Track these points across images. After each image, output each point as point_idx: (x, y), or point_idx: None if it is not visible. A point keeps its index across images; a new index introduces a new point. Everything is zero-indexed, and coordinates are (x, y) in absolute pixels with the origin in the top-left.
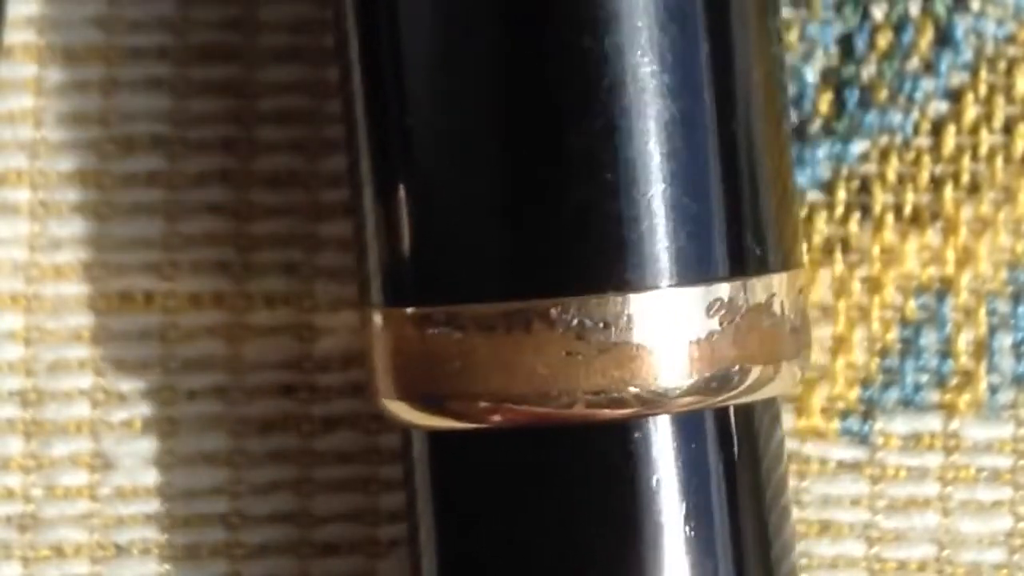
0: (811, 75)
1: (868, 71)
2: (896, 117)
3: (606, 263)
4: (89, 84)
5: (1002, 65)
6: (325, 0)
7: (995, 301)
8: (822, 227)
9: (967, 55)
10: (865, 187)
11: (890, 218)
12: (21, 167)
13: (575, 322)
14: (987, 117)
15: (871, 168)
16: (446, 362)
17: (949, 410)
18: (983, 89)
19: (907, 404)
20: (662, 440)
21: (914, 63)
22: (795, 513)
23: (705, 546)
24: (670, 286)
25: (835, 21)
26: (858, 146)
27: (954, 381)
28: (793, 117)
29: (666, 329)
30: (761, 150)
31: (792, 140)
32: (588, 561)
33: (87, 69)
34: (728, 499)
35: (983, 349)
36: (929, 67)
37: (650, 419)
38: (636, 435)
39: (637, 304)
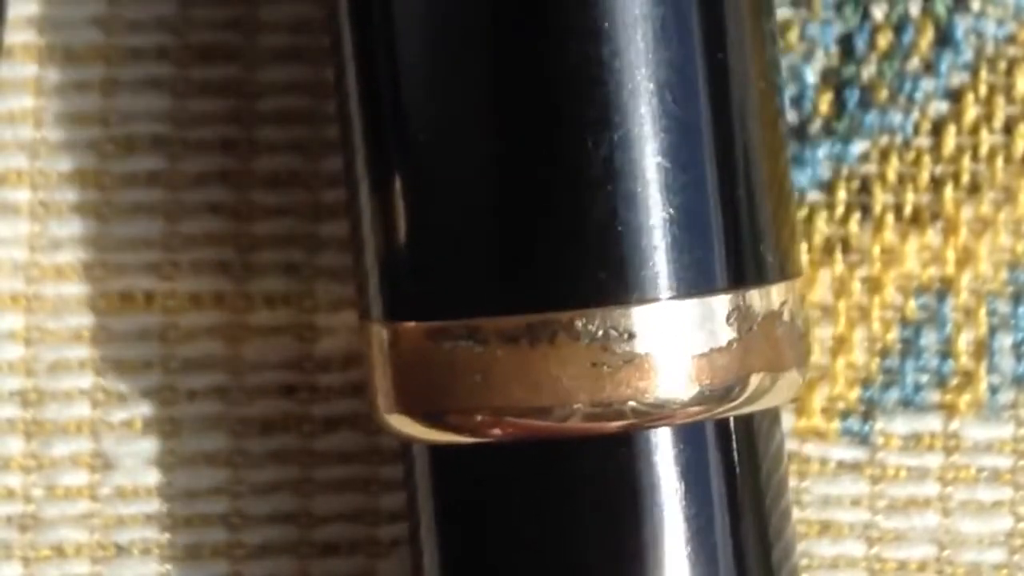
0: (811, 75)
1: (868, 71)
2: (896, 117)
3: (608, 276)
4: (89, 84)
5: (1002, 65)
6: (325, 0)
7: (995, 301)
8: (822, 227)
9: (967, 55)
10: (865, 187)
11: (890, 218)
12: (21, 167)
13: (575, 336)
14: (987, 117)
15: (871, 168)
16: (446, 376)
17: (949, 410)
18: (983, 89)
19: (907, 404)
20: (663, 451)
21: (914, 63)
22: (795, 513)
23: (707, 554)
24: (668, 298)
25: (835, 21)
26: (858, 146)
27: (954, 381)
28: (793, 117)
29: (664, 341)
30: (761, 158)
31: (790, 142)
32: (590, 572)
33: (87, 69)
34: (729, 505)
35: (983, 349)
36: (929, 67)
37: (651, 430)
38: (637, 446)
39: (635, 317)
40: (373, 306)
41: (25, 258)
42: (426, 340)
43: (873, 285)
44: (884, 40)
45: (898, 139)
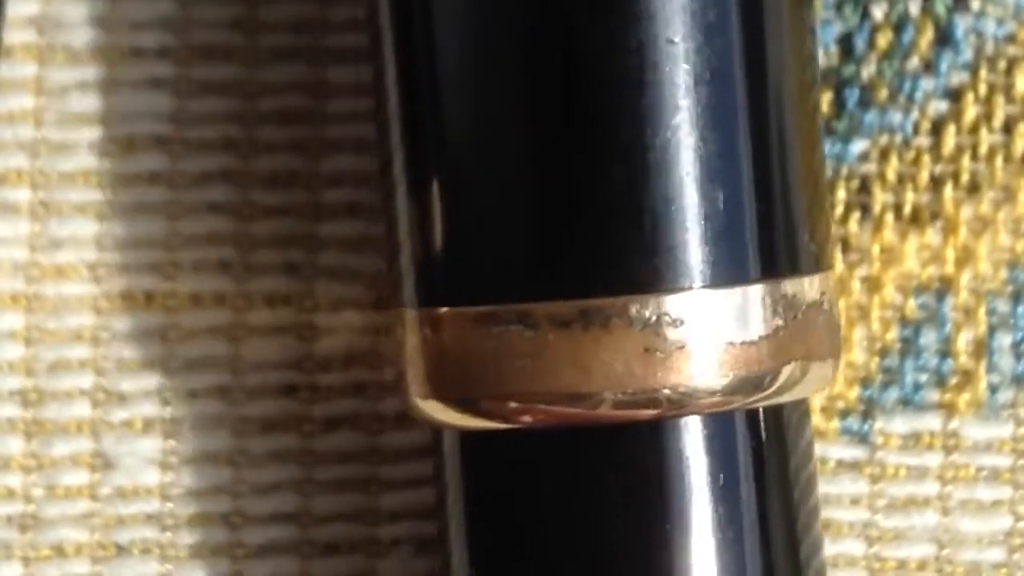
0: None
1: (868, 71)
2: (896, 117)
3: (639, 264)
4: (89, 84)
5: (1002, 65)
6: (325, 0)
7: (995, 300)
8: None
9: (967, 55)
10: (865, 187)
11: (890, 218)
12: (21, 167)
13: (607, 323)
14: (987, 117)
15: (871, 168)
16: (479, 363)
17: (949, 409)
18: (983, 89)
19: (907, 403)
20: (692, 440)
21: (914, 63)
22: None
23: (734, 545)
24: (701, 287)
25: (835, 21)
26: (858, 146)
27: (954, 380)
28: None
29: (696, 331)
30: (798, 150)
31: (823, 138)
32: (618, 560)
33: (87, 69)
34: (757, 497)
35: (983, 348)
36: (929, 67)
37: (681, 419)
38: (667, 435)
39: (667, 305)
40: (407, 292)
41: (25, 258)
42: (460, 327)
43: (873, 284)
44: (884, 40)
45: (898, 138)
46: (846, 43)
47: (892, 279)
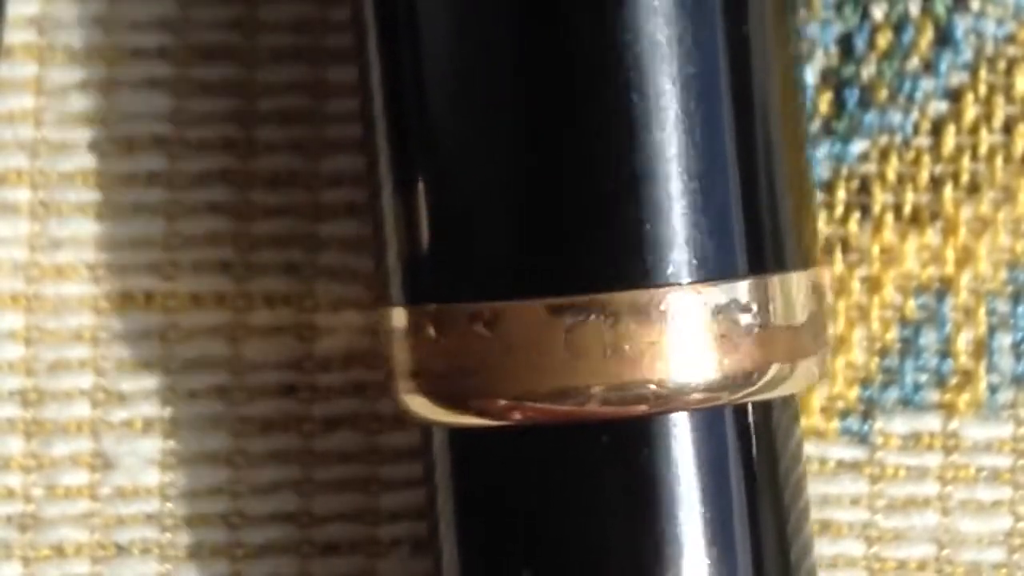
0: (811, 75)
1: (868, 71)
2: (896, 117)
3: (629, 259)
4: (89, 84)
5: (1002, 65)
6: (325, 0)
7: (995, 301)
8: (822, 227)
9: (967, 55)
10: (865, 187)
11: (890, 218)
12: (21, 167)
13: (594, 319)
14: (987, 117)
15: (871, 168)
16: (468, 359)
17: (948, 410)
18: (983, 89)
19: (907, 404)
20: (681, 436)
21: (914, 63)
22: None
23: (725, 544)
24: (689, 283)
25: (835, 21)
26: (858, 146)
27: (954, 381)
28: None
29: (684, 326)
30: (784, 149)
31: (808, 136)
32: (608, 557)
33: (87, 69)
34: (747, 495)
35: (983, 349)
36: (929, 67)
37: (669, 415)
38: (656, 431)
39: (656, 301)
40: (394, 290)
41: (25, 258)
42: (447, 323)
43: (872, 285)
44: (884, 40)
45: (898, 139)
46: (846, 43)
47: (892, 279)
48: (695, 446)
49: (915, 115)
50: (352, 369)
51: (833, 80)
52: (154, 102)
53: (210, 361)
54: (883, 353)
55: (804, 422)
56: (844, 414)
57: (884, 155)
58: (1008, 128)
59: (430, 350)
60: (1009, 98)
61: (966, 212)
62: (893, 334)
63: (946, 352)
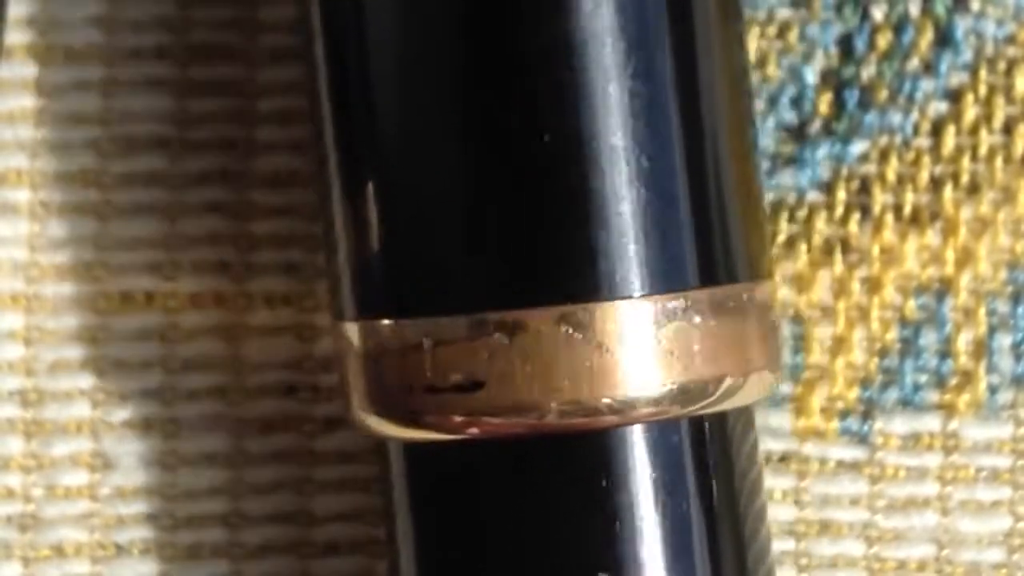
0: (811, 75)
1: (868, 71)
2: (896, 117)
3: (579, 272)
4: (89, 84)
5: (1002, 65)
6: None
7: (995, 301)
8: (822, 227)
9: (967, 55)
10: (865, 187)
11: (890, 218)
12: (21, 167)
13: (546, 333)
14: (987, 117)
15: (871, 168)
16: (421, 375)
17: (948, 410)
18: (983, 89)
19: (906, 404)
20: (638, 448)
21: (914, 63)
22: (794, 513)
23: (683, 551)
24: (641, 296)
25: (835, 21)
26: (858, 146)
27: (953, 381)
28: (793, 117)
29: (637, 339)
30: (730, 159)
31: (756, 147)
32: (566, 570)
33: (87, 69)
34: (703, 504)
35: (982, 349)
36: (929, 67)
37: (624, 428)
38: (612, 444)
39: (607, 314)
40: (346, 306)
41: (25, 258)
42: (398, 338)
43: (872, 285)
44: (884, 40)
45: (898, 139)
46: (846, 44)
47: (892, 280)
48: (651, 458)
49: (915, 116)
50: None
51: (833, 81)
52: (154, 102)
53: (210, 361)
54: (883, 353)
55: (804, 423)
56: (844, 414)
57: (884, 156)
58: (1008, 129)
59: (382, 365)
60: (1009, 99)
61: (966, 212)
62: (893, 334)
63: (946, 352)
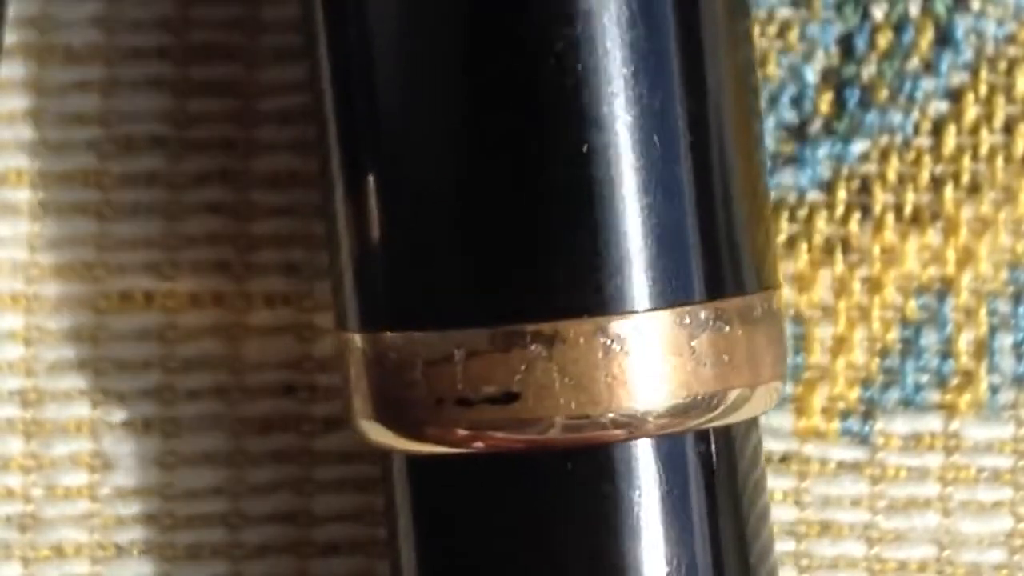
0: (811, 75)
1: (868, 71)
2: (896, 117)
3: (584, 287)
4: (89, 84)
5: (1002, 65)
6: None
7: (996, 301)
8: (822, 227)
9: (967, 55)
10: (865, 187)
11: (890, 218)
12: (21, 167)
13: (551, 347)
14: (987, 117)
15: (871, 168)
16: (425, 387)
17: (950, 410)
18: (983, 89)
19: (908, 404)
20: (643, 461)
21: (914, 63)
22: (795, 513)
23: (686, 562)
24: (647, 310)
25: (835, 21)
26: (858, 146)
27: (955, 381)
28: (793, 117)
29: (644, 353)
30: (737, 167)
31: (764, 150)
32: None
33: (87, 69)
34: (708, 512)
35: (984, 349)
36: (929, 67)
37: (630, 442)
38: (616, 457)
39: (615, 328)
40: (350, 316)
41: (25, 258)
42: (403, 350)
43: (873, 285)
44: (884, 40)
45: (898, 139)
46: (846, 43)
47: (893, 280)
48: (657, 471)
49: (916, 115)
50: None
51: (833, 80)
52: (154, 102)
53: (209, 361)
54: (884, 354)
55: (805, 423)
56: (845, 415)
57: (885, 155)
58: (1009, 128)
59: (386, 378)
60: (1010, 98)
61: (967, 212)
62: (894, 334)
63: (947, 353)
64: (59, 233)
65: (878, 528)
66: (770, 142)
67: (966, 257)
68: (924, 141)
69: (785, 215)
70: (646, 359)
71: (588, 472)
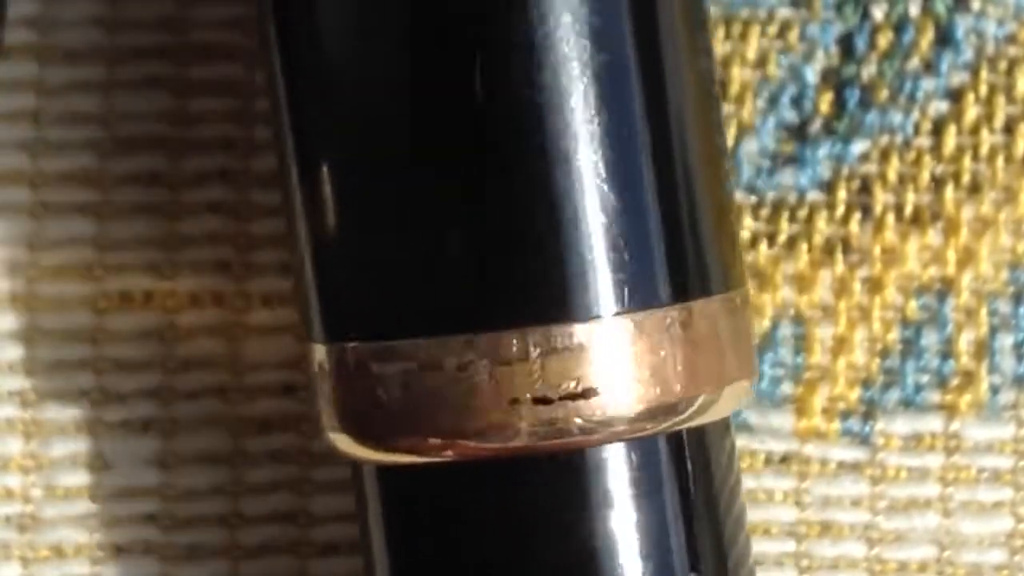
0: (811, 75)
1: (868, 71)
2: (897, 117)
3: (548, 294)
4: (89, 84)
5: (1003, 65)
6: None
7: (996, 301)
8: (822, 227)
9: (968, 55)
10: (866, 187)
11: (891, 218)
12: (21, 167)
13: (519, 354)
14: (988, 117)
15: (872, 168)
16: (393, 397)
17: (950, 411)
18: (984, 89)
19: (908, 405)
20: (615, 465)
21: (914, 63)
22: (795, 514)
23: (663, 566)
24: (613, 315)
25: (835, 21)
26: (859, 146)
27: (955, 382)
28: (793, 117)
29: (611, 358)
30: (700, 171)
31: (726, 154)
32: None
33: (87, 69)
34: (684, 516)
35: (984, 349)
36: (929, 67)
37: (601, 447)
38: (588, 462)
39: (580, 334)
40: (316, 327)
41: (25, 258)
42: (369, 361)
43: (874, 285)
44: (884, 40)
45: (898, 139)
46: (846, 43)
47: (893, 280)
48: (628, 474)
49: (916, 115)
50: None
51: (834, 80)
52: (154, 102)
53: (209, 360)
54: (884, 354)
55: (805, 423)
56: (845, 415)
57: (885, 155)
58: (1009, 128)
59: (354, 388)
60: (1010, 98)
61: (967, 212)
62: (894, 335)
63: (947, 353)
64: (59, 233)
65: (878, 528)
66: (770, 142)
67: (967, 257)
68: (924, 141)
69: (785, 215)
70: (613, 364)
71: (559, 478)
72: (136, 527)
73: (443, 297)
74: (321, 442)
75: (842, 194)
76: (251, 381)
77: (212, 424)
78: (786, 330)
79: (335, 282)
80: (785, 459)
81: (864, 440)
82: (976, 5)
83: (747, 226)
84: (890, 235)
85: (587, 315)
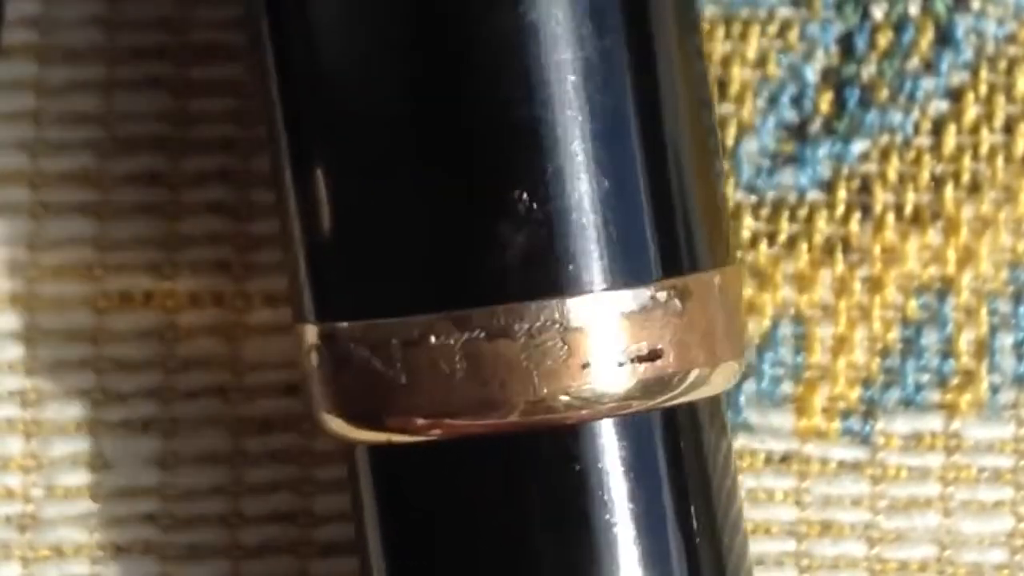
0: (811, 75)
1: (868, 71)
2: (897, 116)
3: (539, 269)
4: (89, 84)
5: (1003, 64)
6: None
7: (996, 301)
8: (823, 227)
9: (967, 54)
10: (866, 187)
11: (891, 218)
12: (21, 167)
13: (508, 330)
14: (988, 116)
15: (872, 168)
16: (383, 376)
17: (950, 410)
18: (984, 88)
19: (908, 404)
20: (607, 442)
21: (914, 62)
22: (796, 513)
23: (657, 542)
24: (603, 290)
25: (835, 21)
26: (859, 145)
27: (955, 381)
28: (793, 117)
29: (601, 333)
30: (687, 152)
31: (718, 140)
32: (539, 568)
33: (87, 69)
34: (676, 493)
35: (984, 349)
36: (929, 66)
37: (592, 423)
38: (580, 439)
39: (570, 309)
40: (305, 307)
41: (25, 258)
42: (359, 340)
43: (874, 285)
44: (884, 39)
45: (898, 138)
46: (846, 43)
47: (893, 279)
48: (620, 450)
49: (916, 115)
50: None
51: (834, 80)
52: (154, 102)
53: (209, 360)
54: (884, 353)
55: (806, 423)
56: (845, 414)
57: (885, 155)
58: (1009, 128)
59: (343, 368)
60: (1010, 98)
61: (967, 212)
62: (894, 334)
63: (948, 352)
64: (59, 233)
65: (879, 528)
66: (770, 142)
67: (967, 257)
68: (924, 141)
69: (785, 215)
70: (601, 339)
71: (553, 454)
72: (136, 527)
73: (431, 275)
74: (313, 424)
75: (842, 194)
76: (251, 381)
77: (212, 424)
78: (786, 329)
79: (323, 262)
80: (785, 459)
81: (864, 440)
82: (976, 5)
83: (747, 226)
84: (890, 234)
85: (577, 290)
